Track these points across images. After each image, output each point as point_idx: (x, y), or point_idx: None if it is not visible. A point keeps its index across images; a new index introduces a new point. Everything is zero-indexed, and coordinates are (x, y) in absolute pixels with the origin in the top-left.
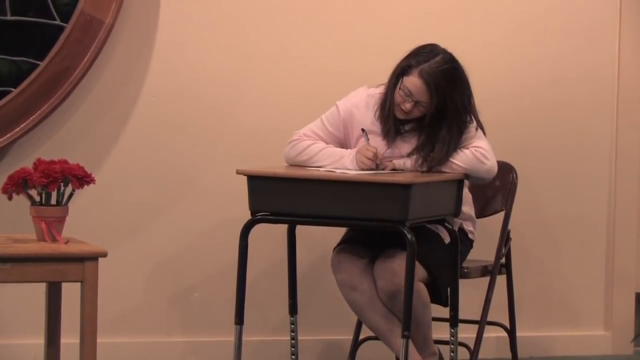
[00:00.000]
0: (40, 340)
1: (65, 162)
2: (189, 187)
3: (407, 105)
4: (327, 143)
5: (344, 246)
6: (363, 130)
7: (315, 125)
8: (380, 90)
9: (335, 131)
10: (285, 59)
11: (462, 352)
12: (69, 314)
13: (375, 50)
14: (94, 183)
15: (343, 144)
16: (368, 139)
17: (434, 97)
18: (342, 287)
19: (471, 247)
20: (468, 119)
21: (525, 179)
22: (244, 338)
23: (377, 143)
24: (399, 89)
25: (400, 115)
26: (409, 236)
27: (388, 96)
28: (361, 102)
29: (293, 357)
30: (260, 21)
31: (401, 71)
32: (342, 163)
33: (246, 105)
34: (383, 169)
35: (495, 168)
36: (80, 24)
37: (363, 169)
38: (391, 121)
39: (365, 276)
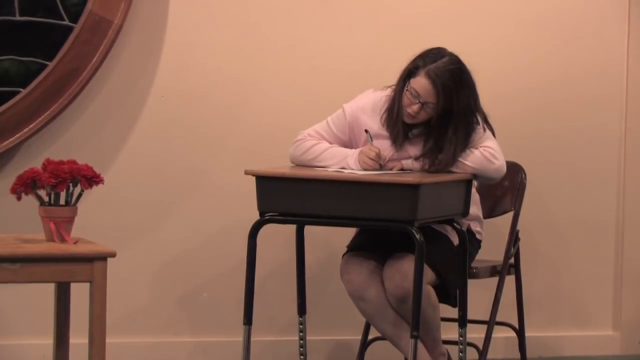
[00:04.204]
0: (49, 341)
1: (74, 162)
2: (197, 188)
3: (415, 107)
4: (331, 144)
5: (352, 253)
6: (366, 131)
7: (320, 127)
8: (387, 93)
9: (340, 133)
10: (294, 60)
11: (471, 353)
12: (78, 314)
13: (383, 50)
14: (103, 183)
15: (348, 146)
16: (372, 140)
17: (441, 98)
18: (351, 297)
19: (479, 247)
20: (474, 120)
21: (534, 179)
22: (253, 338)
23: (385, 146)
24: (406, 90)
25: (407, 119)
26: (417, 236)
27: (396, 100)
28: (368, 105)
29: (302, 357)
30: (268, 21)
31: (408, 74)
32: (346, 162)
33: (255, 106)
34: (390, 169)
35: (504, 168)
36: (89, 25)
37: (366, 169)
38: (399, 126)
39: (373, 279)
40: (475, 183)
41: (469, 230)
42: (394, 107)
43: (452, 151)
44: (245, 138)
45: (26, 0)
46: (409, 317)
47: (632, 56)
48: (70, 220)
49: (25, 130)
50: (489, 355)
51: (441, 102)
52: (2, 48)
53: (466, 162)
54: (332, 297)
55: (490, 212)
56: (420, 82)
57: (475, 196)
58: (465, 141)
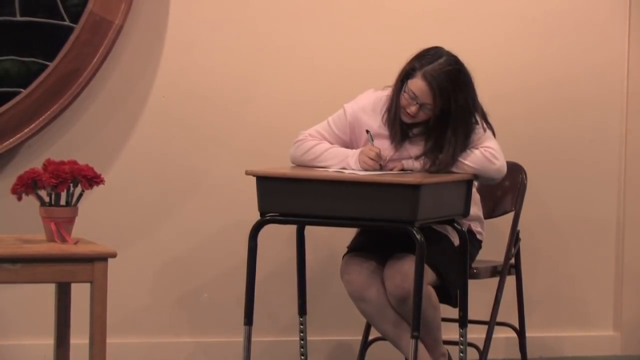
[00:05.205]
0: (49, 341)
1: (75, 162)
2: (198, 188)
3: (413, 109)
4: (332, 144)
5: (353, 254)
6: (367, 131)
7: (321, 127)
8: (387, 92)
9: (341, 134)
10: (295, 60)
11: (472, 353)
12: (79, 314)
13: (384, 50)
14: (103, 183)
15: (348, 146)
16: (372, 140)
17: (438, 99)
18: (351, 298)
19: (480, 247)
20: (473, 121)
21: (535, 179)
22: (253, 338)
23: (385, 146)
24: (404, 92)
25: (406, 119)
26: (418, 237)
27: (394, 100)
28: (368, 105)
29: (302, 357)
30: (269, 22)
31: (405, 74)
32: (347, 163)
33: (255, 106)
34: (391, 170)
35: (505, 168)
36: (90, 25)
37: (366, 169)
38: (398, 125)
39: (373, 280)
40: (475, 183)
41: (470, 231)
42: (392, 107)
43: (451, 152)
44: (246, 138)
45: (27, 0)
46: (410, 318)
47: (633, 56)
48: (70, 220)
49: (25, 130)
50: (489, 356)
51: (438, 103)
52: (2, 48)
53: (466, 163)
54: (333, 297)
55: (490, 212)
56: (417, 84)
57: (475, 196)
58: (464, 142)
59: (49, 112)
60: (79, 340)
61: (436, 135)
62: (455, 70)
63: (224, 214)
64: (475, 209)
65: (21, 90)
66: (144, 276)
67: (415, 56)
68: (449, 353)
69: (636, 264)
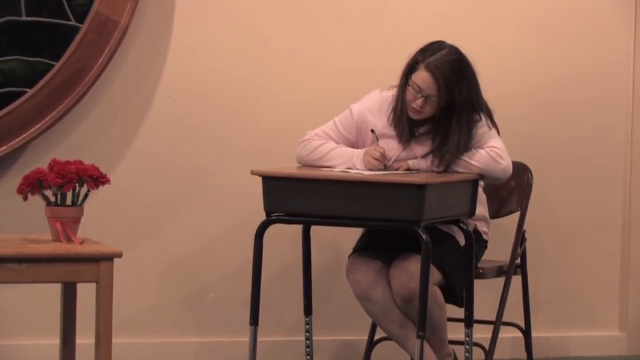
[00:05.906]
0: (55, 341)
1: (81, 162)
2: (203, 188)
3: (418, 102)
4: (337, 144)
5: (358, 253)
6: (372, 131)
7: (327, 127)
8: (393, 92)
9: (347, 134)
10: (300, 60)
11: (477, 353)
12: (84, 314)
13: (390, 51)
14: (109, 183)
15: (354, 146)
16: (377, 140)
17: (443, 89)
18: (357, 298)
19: (485, 247)
20: (477, 116)
21: (540, 179)
22: (259, 338)
23: (392, 146)
24: (409, 85)
25: (413, 115)
26: (423, 236)
27: (399, 97)
28: (374, 105)
29: (308, 357)
30: (274, 22)
31: (409, 69)
32: (352, 163)
33: (261, 106)
34: (397, 169)
35: (510, 168)
36: (96, 25)
37: (371, 169)
38: (405, 123)
39: (379, 280)
40: (481, 183)
41: (476, 231)
42: (398, 104)
43: (456, 142)
44: (251, 138)
45: (32, 0)
46: (415, 318)
47: (639, 56)
48: (76, 220)
49: (31, 130)
50: (495, 356)
51: (443, 93)
52: (8, 48)
53: (472, 162)
54: (339, 297)
55: (496, 212)
56: (421, 76)
57: (481, 196)
58: (468, 133)
59: (54, 112)
60: (84, 340)
61: (442, 131)
62: (457, 60)
63: (229, 214)
64: (481, 208)
65: (27, 90)
66: (149, 276)
67: (417, 50)
68: (454, 353)
69: None
